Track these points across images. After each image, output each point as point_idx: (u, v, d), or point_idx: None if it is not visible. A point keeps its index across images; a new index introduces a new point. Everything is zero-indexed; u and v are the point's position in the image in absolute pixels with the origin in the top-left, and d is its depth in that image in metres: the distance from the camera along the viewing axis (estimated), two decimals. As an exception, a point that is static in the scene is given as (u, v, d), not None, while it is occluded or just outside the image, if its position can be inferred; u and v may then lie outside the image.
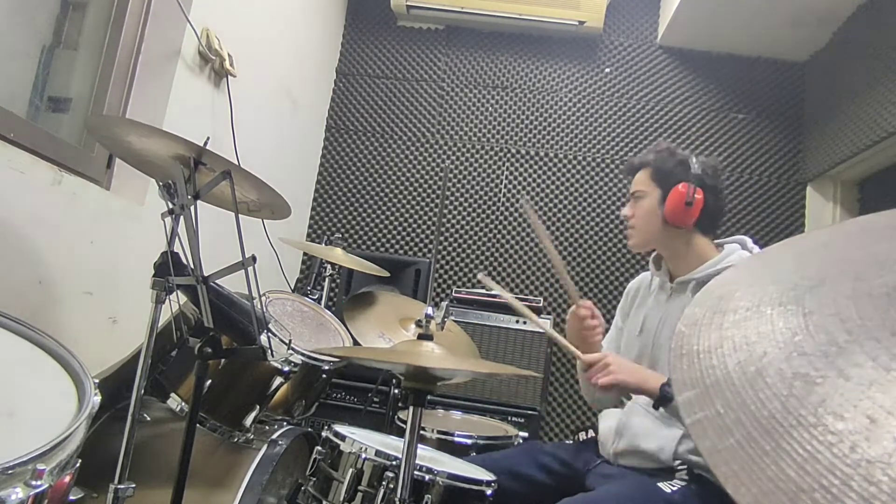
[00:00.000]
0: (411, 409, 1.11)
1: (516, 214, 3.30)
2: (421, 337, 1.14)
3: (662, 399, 1.33)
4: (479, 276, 1.72)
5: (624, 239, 3.20)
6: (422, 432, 1.74)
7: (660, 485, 1.35)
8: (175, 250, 1.16)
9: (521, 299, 2.81)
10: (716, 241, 1.58)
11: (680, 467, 1.40)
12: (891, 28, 2.50)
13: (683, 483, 1.36)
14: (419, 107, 3.44)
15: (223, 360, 1.43)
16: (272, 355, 1.41)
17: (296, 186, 3.18)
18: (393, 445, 1.51)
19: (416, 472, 1.28)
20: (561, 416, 3.09)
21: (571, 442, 1.87)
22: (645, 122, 3.33)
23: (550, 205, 3.28)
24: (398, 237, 3.33)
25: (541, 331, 2.65)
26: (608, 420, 1.60)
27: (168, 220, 1.15)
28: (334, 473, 1.38)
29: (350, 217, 3.37)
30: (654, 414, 1.48)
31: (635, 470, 1.45)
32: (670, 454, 1.40)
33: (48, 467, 0.71)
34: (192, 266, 1.12)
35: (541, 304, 2.79)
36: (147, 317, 1.15)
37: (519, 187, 3.32)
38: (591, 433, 1.71)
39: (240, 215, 1.12)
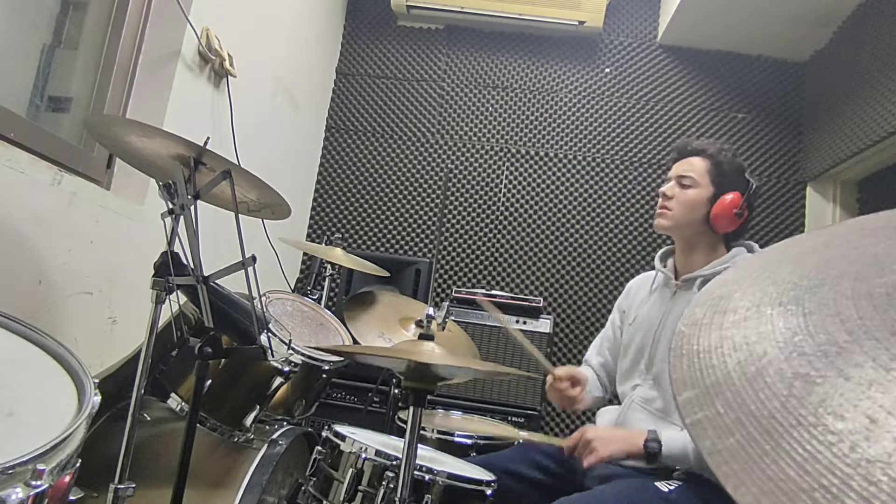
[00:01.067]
0: (411, 409, 1.11)
1: (516, 214, 3.30)
2: (421, 337, 1.13)
3: (649, 456, 1.34)
4: (479, 299, 1.74)
5: (624, 239, 3.21)
6: (422, 432, 1.74)
7: (657, 484, 1.35)
8: (175, 250, 1.16)
9: (522, 299, 2.81)
10: None
11: (678, 467, 1.40)
12: (891, 28, 2.50)
13: (681, 482, 1.36)
14: (419, 107, 3.44)
15: (223, 360, 1.43)
16: (272, 355, 1.41)
17: (296, 186, 3.18)
18: (393, 445, 1.51)
19: (416, 472, 1.29)
20: (561, 416, 3.09)
21: None
22: (645, 121, 3.33)
23: (550, 205, 3.28)
24: (398, 237, 3.33)
25: (544, 330, 2.66)
26: (605, 419, 1.60)
27: (168, 220, 1.15)
28: (334, 473, 1.39)
29: (350, 217, 3.37)
30: (652, 413, 1.49)
31: (633, 469, 1.46)
32: None
33: (48, 467, 0.71)
34: (192, 266, 1.12)
35: (541, 305, 2.79)
36: (147, 317, 1.15)
37: (519, 187, 3.32)
38: None
39: (240, 215, 1.12)
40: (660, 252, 1.68)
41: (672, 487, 1.34)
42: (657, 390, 1.51)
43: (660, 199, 1.60)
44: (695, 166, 1.56)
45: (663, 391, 1.49)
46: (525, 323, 2.69)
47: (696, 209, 1.53)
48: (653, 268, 1.69)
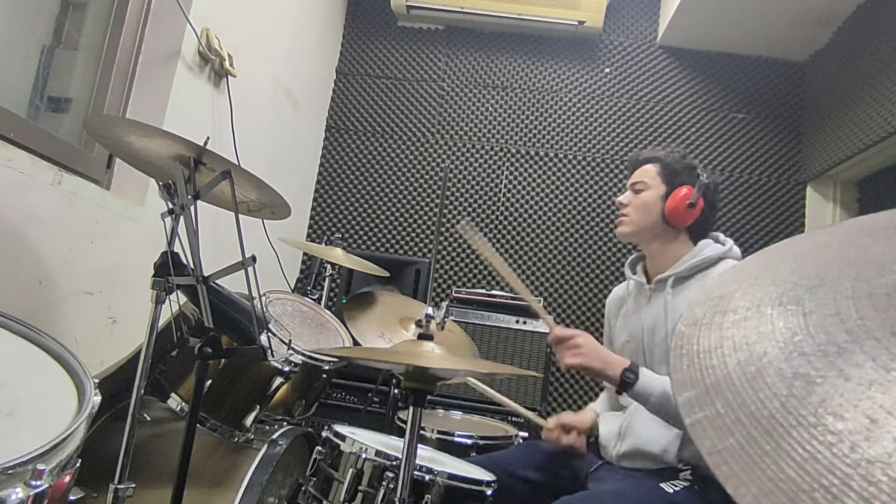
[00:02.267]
0: (411, 409, 1.11)
1: (516, 214, 3.30)
2: (421, 337, 1.13)
3: (623, 384, 1.33)
4: (462, 223, 1.75)
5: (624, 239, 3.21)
6: (422, 432, 1.75)
7: (662, 485, 1.34)
8: (175, 250, 1.16)
9: (522, 299, 2.80)
10: None
11: (684, 468, 1.39)
12: (891, 28, 2.50)
13: (687, 483, 1.35)
14: (419, 107, 3.44)
15: (223, 360, 1.43)
16: (272, 355, 1.41)
17: (296, 186, 3.18)
18: (393, 445, 1.51)
19: (416, 472, 1.28)
20: (561, 416, 3.09)
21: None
22: (645, 122, 3.33)
23: (550, 205, 3.28)
24: (398, 237, 3.33)
25: (544, 330, 2.65)
26: (609, 423, 1.60)
27: (168, 220, 1.15)
28: (334, 473, 1.38)
29: (350, 217, 3.37)
30: (656, 419, 1.48)
31: (638, 471, 1.45)
32: (674, 455, 1.40)
33: (48, 467, 0.71)
34: (192, 266, 1.12)
35: (541, 305, 2.79)
36: (147, 317, 1.15)
37: (519, 187, 3.32)
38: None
39: (240, 215, 1.12)
40: (628, 261, 1.71)
41: (678, 489, 1.33)
42: None
43: (619, 210, 1.64)
44: (647, 172, 1.62)
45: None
46: (525, 323, 2.69)
47: (651, 209, 1.57)
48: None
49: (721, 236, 1.59)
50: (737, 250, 1.55)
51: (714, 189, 1.59)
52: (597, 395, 2.45)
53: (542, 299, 3.08)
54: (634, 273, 1.66)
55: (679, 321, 0.39)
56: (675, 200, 1.54)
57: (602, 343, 1.75)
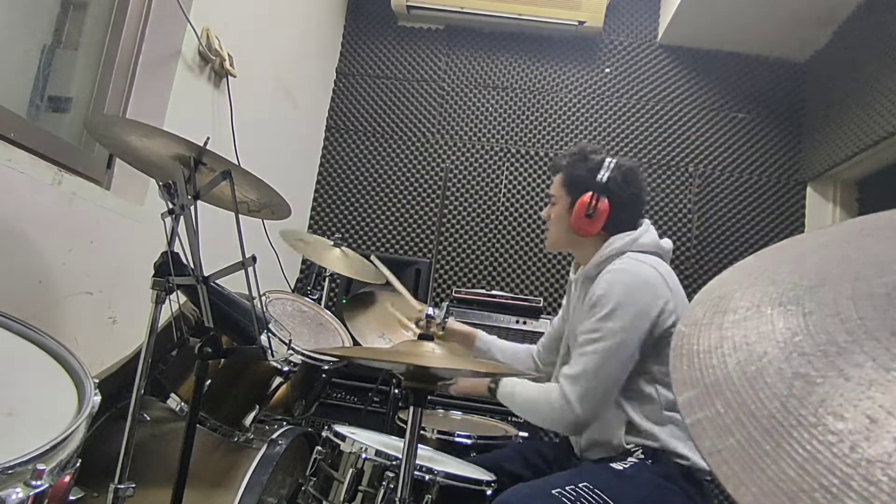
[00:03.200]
0: (411, 409, 1.11)
1: (516, 214, 3.30)
2: (421, 337, 1.14)
3: (490, 392, 1.58)
4: (372, 257, 1.85)
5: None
6: (422, 432, 1.74)
7: (612, 464, 1.40)
8: (175, 250, 1.16)
9: (522, 299, 2.81)
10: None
11: (634, 449, 1.43)
12: (891, 28, 2.50)
13: (638, 460, 1.40)
14: (419, 107, 3.44)
15: (223, 360, 1.43)
16: (272, 355, 1.41)
17: (296, 186, 3.18)
18: (393, 445, 1.52)
19: (416, 472, 1.29)
20: (561, 416, 3.09)
21: (558, 440, 1.88)
22: (645, 122, 3.33)
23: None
24: (398, 237, 3.33)
25: (544, 330, 2.66)
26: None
27: (168, 220, 1.15)
28: (334, 473, 1.38)
29: (350, 217, 3.37)
30: None
31: (598, 460, 1.49)
32: (621, 438, 1.44)
33: (48, 467, 0.71)
34: (192, 266, 1.12)
35: (541, 305, 2.79)
36: (147, 317, 1.15)
37: (519, 187, 3.32)
38: None
39: (240, 215, 1.12)
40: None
41: (626, 465, 1.38)
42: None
43: None
44: (555, 183, 1.64)
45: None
46: (525, 323, 2.68)
47: (561, 222, 1.61)
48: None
49: (643, 225, 1.55)
50: (647, 239, 1.52)
51: (622, 180, 1.53)
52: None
53: (542, 299, 3.08)
54: (575, 272, 1.69)
55: (679, 321, 0.40)
56: (576, 212, 1.54)
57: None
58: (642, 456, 1.41)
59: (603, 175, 1.53)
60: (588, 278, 1.53)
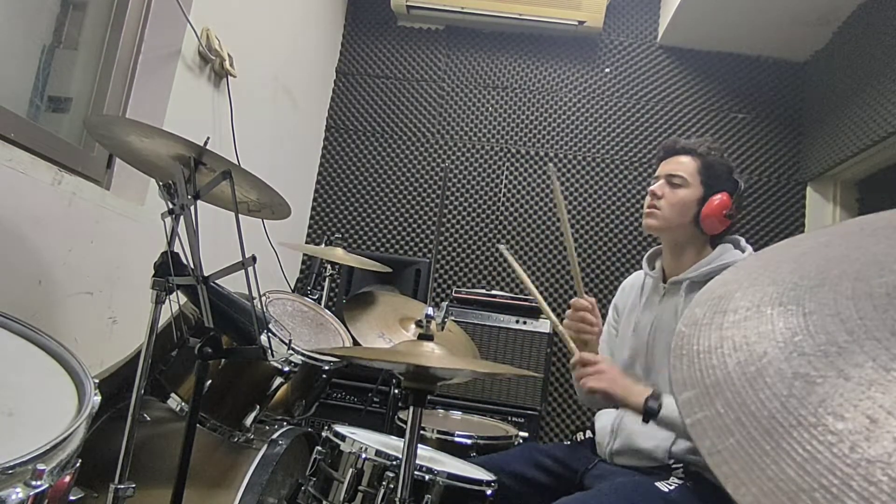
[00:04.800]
0: (411, 409, 1.11)
1: (516, 214, 3.30)
2: (421, 337, 1.14)
3: (647, 413, 1.29)
4: (501, 247, 1.70)
5: (624, 239, 3.21)
6: (422, 432, 1.75)
7: (657, 484, 1.35)
8: (175, 250, 1.16)
9: (522, 299, 2.81)
10: None
11: (675, 466, 1.39)
12: (891, 28, 2.50)
13: (680, 481, 1.36)
14: (419, 107, 3.44)
15: (223, 360, 1.43)
16: (272, 355, 1.41)
17: (296, 186, 3.18)
18: (393, 445, 1.52)
19: (416, 472, 1.28)
20: (561, 416, 3.09)
21: (569, 442, 1.87)
22: (645, 121, 3.33)
23: (550, 205, 3.28)
24: (398, 237, 3.33)
25: (544, 330, 2.66)
26: (604, 419, 1.60)
27: (168, 220, 1.15)
28: (334, 473, 1.38)
29: (350, 217, 3.37)
30: None
31: (632, 469, 1.45)
32: (665, 453, 1.40)
33: (48, 467, 0.71)
34: (192, 266, 1.12)
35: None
36: (147, 317, 1.15)
37: (519, 187, 3.32)
38: (588, 433, 1.70)
39: (240, 215, 1.12)
40: (647, 254, 1.68)
41: (672, 487, 1.34)
42: None
43: (648, 198, 1.57)
44: (684, 165, 1.53)
45: None
46: (525, 323, 2.69)
47: (686, 210, 1.51)
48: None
49: (742, 242, 1.55)
50: None
51: (744, 196, 1.54)
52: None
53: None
54: (652, 269, 1.63)
55: (679, 321, 0.40)
56: (711, 208, 1.48)
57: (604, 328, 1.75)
58: (683, 476, 1.37)
59: (742, 184, 1.52)
60: (694, 284, 1.48)
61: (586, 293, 1.61)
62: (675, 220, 1.52)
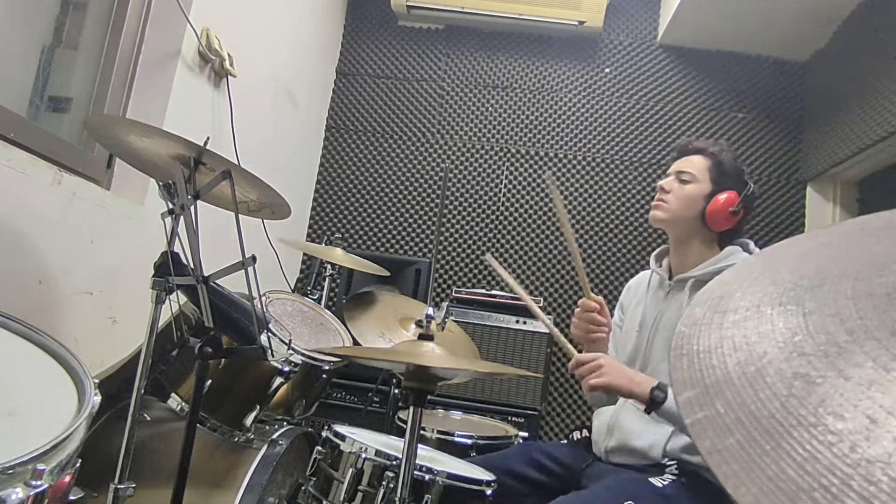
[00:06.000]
0: (411, 409, 1.11)
1: (516, 214, 3.30)
2: (421, 337, 1.14)
3: (652, 403, 1.29)
4: (487, 256, 1.71)
5: (624, 239, 3.21)
6: (422, 432, 1.74)
7: (651, 480, 1.36)
8: (175, 250, 1.16)
9: (521, 299, 2.80)
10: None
11: (670, 464, 1.40)
12: (891, 28, 2.50)
13: (674, 477, 1.37)
14: (419, 107, 3.44)
15: (223, 360, 1.43)
16: (272, 355, 1.41)
17: (296, 186, 3.18)
18: (393, 445, 1.52)
19: (416, 472, 1.29)
20: (561, 416, 3.09)
21: (566, 441, 1.87)
22: (645, 121, 3.33)
23: (550, 205, 3.28)
24: (398, 237, 3.33)
25: (544, 330, 2.66)
26: (600, 418, 1.60)
27: (168, 220, 1.15)
28: (334, 473, 1.39)
29: (350, 217, 3.37)
30: (644, 415, 1.49)
31: (626, 467, 1.46)
32: (660, 451, 1.41)
33: (48, 467, 0.71)
34: (192, 266, 1.12)
35: (541, 304, 2.79)
36: (147, 317, 1.15)
37: (519, 187, 3.32)
38: (584, 432, 1.71)
39: (240, 215, 1.12)
40: (655, 252, 1.69)
41: (666, 483, 1.35)
42: None
43: (657, 193, 1.60)
44: (695, 163, 1.57)
45: None
46: (525, 323, 2.69)
47: (692, 204, 1.53)
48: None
49: (751, 245, 1.56)
50: None
51: (753, 199, 1.55)
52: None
53: (541, 299, 3.08)
54: (660, 265, 1.64)
55: (679, 321, 0.40)
56: (718, 204, 1.51)
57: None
58: (677, 472, 1.38)
59: (750, 185, 1.54)
60: (699, 282, 1.49)
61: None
62: (681, 213, 1.54)
